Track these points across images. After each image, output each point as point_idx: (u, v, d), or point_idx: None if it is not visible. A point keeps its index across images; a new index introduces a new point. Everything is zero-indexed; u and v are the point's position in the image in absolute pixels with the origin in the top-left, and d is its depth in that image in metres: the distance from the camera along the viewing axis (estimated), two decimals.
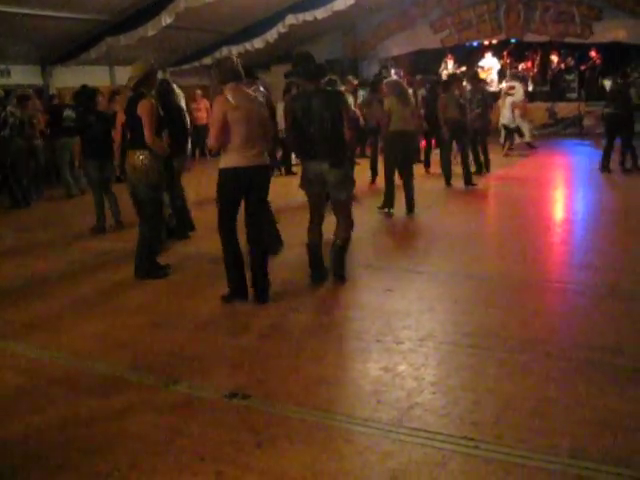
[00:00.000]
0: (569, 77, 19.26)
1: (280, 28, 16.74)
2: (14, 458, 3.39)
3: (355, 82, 15.21)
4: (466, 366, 4.20)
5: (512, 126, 14.91)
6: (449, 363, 4.28)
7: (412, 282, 6.05)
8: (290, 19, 16.39)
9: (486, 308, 5.24)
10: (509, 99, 14.74)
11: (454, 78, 12.16)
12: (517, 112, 14.79)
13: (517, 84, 15.27)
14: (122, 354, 4.66)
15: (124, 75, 14.90)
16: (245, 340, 4.85)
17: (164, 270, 6.50)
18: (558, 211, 9.47)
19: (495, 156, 13.31)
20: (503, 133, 15.23)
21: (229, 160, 5.36)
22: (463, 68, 19.22)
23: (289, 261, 6.71)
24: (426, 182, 11.58)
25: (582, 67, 19.01)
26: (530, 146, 15.40)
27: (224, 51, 17.55)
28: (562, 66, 19.47)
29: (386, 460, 3.18)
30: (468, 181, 11.08)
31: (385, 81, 10.01)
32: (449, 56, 20.20)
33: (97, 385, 4.21)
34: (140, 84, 6.30)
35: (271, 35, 16.97)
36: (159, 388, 4.09)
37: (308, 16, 16.21)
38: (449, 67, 20.49)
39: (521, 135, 15.29)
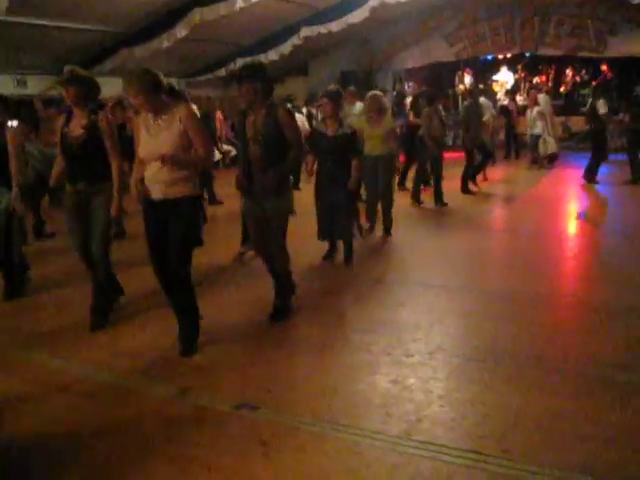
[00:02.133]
0: (584, 91, 19.25)
1: (295, 40, 16.87)
2: (21, 462, 3.42)
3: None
4: (475, 380, 4.20)
5: (539, 135, 14.89)
6: (458, 377, 4.29)
7: (422, 296, 6.05)
8: (305, 31, 16.51)
9: (496, 322, 5.24)
10: (537, 109, 14.72)
11: (438, 94, 12.12)
12: (543, 123, 14.77)
13: (542, 95, 15.31)
14: (133, 364, 4.70)
15: None
16: (255, 351, 4.86)
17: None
18: (571, 225, 9.45)
19: (514, 169, 13.37)
20: (529, 144, 15.22)
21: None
22: (481, 85, 19.26)
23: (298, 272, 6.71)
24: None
25: (594, 82, 18.99)
26: (551, 158, 15.31)
27: (238, 63, 17.68)
28: (577, 80, 19.47)
29: (394, 473, 3.19)
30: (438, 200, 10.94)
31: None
32: (467, 70, 20.26)
33: (108, 394, 4.24)
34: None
35: (286, 47, 17.09)
36: (168, 398, 4.12)
37: (323, 29, 16.33)
38: (466, 81, 20.58)
39: (544, 147, 15.22)
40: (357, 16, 15.77)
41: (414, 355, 4.62)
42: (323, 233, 7.23)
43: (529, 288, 6.12)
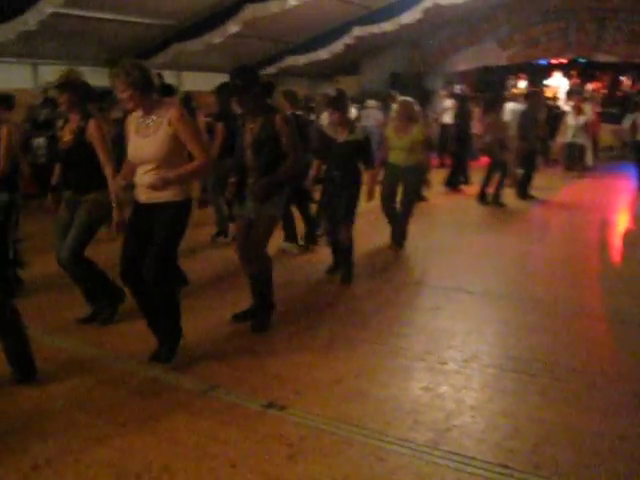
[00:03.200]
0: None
1: (346, 40, 16.77)
2: (49, 449, 3.45)
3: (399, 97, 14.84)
4: (509, 391, 4.11)
5: (582, 144, 14.65)
6: (492, 387, 4.20)
7: (461, 302, 5.96)
8: (357, 31, 16.41)
9: (535, 333, 5.12)
10: (582, 118, 14.45)
11: (498, 98, 12.02)
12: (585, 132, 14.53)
13: (586, 103, 15.02)
14: None
15: (190, 80, 15.21)
16: (286, 351, 4.84)
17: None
18: (617, 237, 9.22)
19: (554, 176, 13.12)
20: (568, 152, 14.94)
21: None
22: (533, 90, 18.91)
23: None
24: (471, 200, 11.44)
25: None
26: (584, 168, 15.01)
27: (289, 61, 17.73)
28: (633, 88, 19.02)
29: None
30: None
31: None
32: (520, 74, 19.94)
33: (137, 386, 4.26)
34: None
35: (337, 46, 17.01)
36: (198, 393, 4.12)
37: (375, 29, 16.20)
38: (520, 86, 20.27)
39: (583, 155, 14.95)
40: (410, 17, 15.61)
41: (448, 362, 4.55)
42: (330, 242, 6.97)
43: (573, 299, 5.98)
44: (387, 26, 15.93)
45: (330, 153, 6.66)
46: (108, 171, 5.06)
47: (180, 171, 4.27)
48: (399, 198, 7.90)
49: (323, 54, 17.19)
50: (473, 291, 6.22)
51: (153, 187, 4.20)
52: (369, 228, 8.40)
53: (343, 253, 6.59)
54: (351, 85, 19.58)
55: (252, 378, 4.35)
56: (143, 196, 4.40)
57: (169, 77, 16.71)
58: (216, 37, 13.89)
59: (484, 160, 12.12)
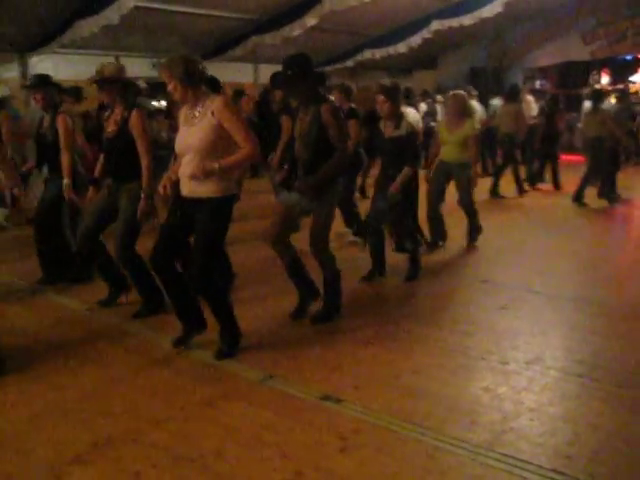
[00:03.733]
0: None
1: (425, 33, 16.64)
2: (109, 428, 3.57)
3: (474, 92, 14.55)
4: (570, 395, 4.01)
5: None
6: (553, 390, 4.11)
7: (528, 302, 5.84)
8: (435, 25, 16.26)
9: (602, 337, 4.98)
10: None
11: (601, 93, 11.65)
12: None
13: None
14: None
15: (268, 73, 15.38)
16: (346, 344, 4.86)
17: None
18: None
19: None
20: None
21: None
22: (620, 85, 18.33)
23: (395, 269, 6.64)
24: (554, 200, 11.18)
25: None
26: None
27: (366, 54, 17.70)
28: None
29: None
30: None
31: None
32: (604, 70, 19.35)
33: (197, 372, 4.37)
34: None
35: (415, 40, 16.89)
36: (256, 382, 4.19)
37: (454, 22, 16.02)
38: (602, 82, 19.65)
39: None
40: (490, 10, 15.36)
41: (510, 363, 4.48)
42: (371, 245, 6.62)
43: None
44: (466, 20, 15.73)
45: (379, 150, 6.49)
46: (144, 162, 5.17)
47: (223, 161, 4.28)
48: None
49: (401, 48, 17.13)
50: (541, 292, 6.09)
51: (195, 176, 4.27)
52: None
53: (409, 252, 6.49)
54: (428, 80, 19.42)
55: (310, 369, 4.39)
56: (185, 189, 4.43)
57: (246, 70, 17.01)
58: (294, 30, 14.03)
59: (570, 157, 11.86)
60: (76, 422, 3.70)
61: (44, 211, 6.31)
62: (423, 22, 16.44)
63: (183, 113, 4.48)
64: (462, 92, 7.87)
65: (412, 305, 5.82)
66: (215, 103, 4.29)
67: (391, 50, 17.30)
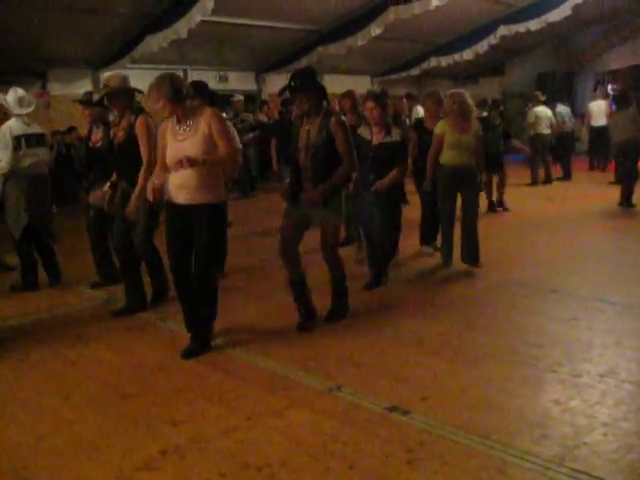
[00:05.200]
0: None
1: (491, 40, 16.45)
2: (178, 436, 3.61)
3: (542, 98, 14.25)
4: None
5: None
6: (628, 404, 3.96)
7: (601, 313, 5.67)
8: (502, 30, 16.05)
9: None
10: None
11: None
12: None
13: None
14: (294, 353, 4.84)
15: (333, 82, 15.47)
16: (414, 355, 4.80)
17: None
18: None
19: None
20: None
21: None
22: None
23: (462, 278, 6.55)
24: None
25: None
26: None
27: (432, 62, 17.61)
28: None
29: None
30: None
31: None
32: None
33: (264, 380, 4.39)
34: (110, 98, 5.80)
35: (481, 47, 16.72)
36: (323, 391, 4.18)
37: (521, 27, 15.79)
38: None
39: None
40: (558, 14, 15.07)
41: (582, 375, 4.34)
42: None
43: None
44: (533, 25, 15.49)
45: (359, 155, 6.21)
46: (144, 164, 5.49)
47: (207, 157, 4.56)
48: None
49: (467, 55, 16.97)
50: (615, 302, 5.90)
51: (181, 165, 4.46)
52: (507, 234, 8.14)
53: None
54: (494, 86, 19.18)
55: (377, 379, 4.36)
56: (181, 197, 4.70)
57: None
58: (359, 40, 14.06)
59: None
60: (145, 429, 3.76)
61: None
62: (489, 28, 16.26)
63: (170, 129, 4.71)
64: (462, 91, 7.14)
65: (478, 316, 5.71)
66: (207, 113, 4.65)
67: (457, 57, 17.17)
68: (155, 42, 11.83)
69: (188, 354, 4.79)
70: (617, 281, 6.61)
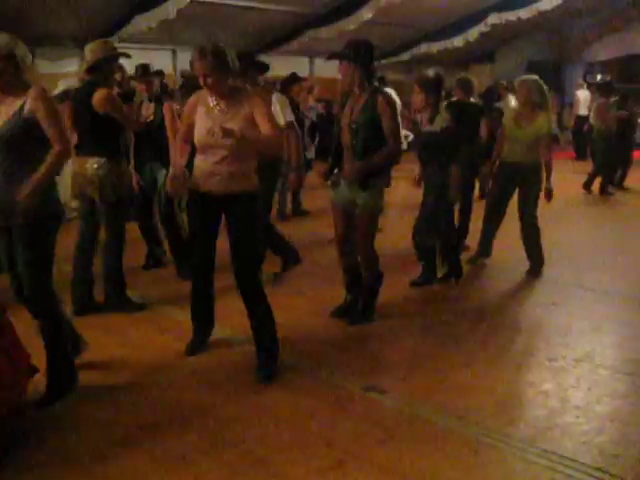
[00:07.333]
0: None
1: (482, 27, 16.39)
2: (157, 413, 3.65)
3: None
4: (620, 395, 3.93)
5: None
6: (601, 389, 4.02)
7: (579, 299, 5.73)
8: (493, 18, 15.99)
9: None
10: None
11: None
12: None
13: None
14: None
15: (323, 66, 15.42)
16: (401, 340, 4.81)
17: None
18: None
19: None
20: None
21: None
22: None
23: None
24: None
25: None
26: None
27: (423, 48, 17.55)
28: None
29: (510, 478, 3.08)
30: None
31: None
32: None
33: (245, 360, 4.36)
34: (94, 70, 5.06)
35: (472, 34, 16.66)
36: (300, 371, 4.23)
37: (511, 16, 15.75)
38: None
39: None
40: (548, 3, 15.04)
41: (558, 360, 4.40)
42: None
43: None
44: (524, 13, 15.44)
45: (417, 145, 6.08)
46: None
47: (252, 135, 4.02)
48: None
49: (458, 41, 16.91)
50: (595, 289, 5.97)
51: (225, 134, 3.83)
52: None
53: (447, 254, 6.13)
54: (485, 74, 19.15)
55: (358, 361, 4.39)
56: (212, 186, 4.12)
57: (302, 63, 17.05)
58: (350, 24, 14.00)
59: None
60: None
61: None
62: (480, 15, 16.19)
63: (203, 103, 4.15)
64: (535, 77, 6.45)
65: (462, 302, 5.74)
66: (248, 93, 4.20)
67: (448, 44, 17.10)
68: (144, 22, 11.73)
69: (266, 377, 4.10)
70: (596, 268, 6.67)
